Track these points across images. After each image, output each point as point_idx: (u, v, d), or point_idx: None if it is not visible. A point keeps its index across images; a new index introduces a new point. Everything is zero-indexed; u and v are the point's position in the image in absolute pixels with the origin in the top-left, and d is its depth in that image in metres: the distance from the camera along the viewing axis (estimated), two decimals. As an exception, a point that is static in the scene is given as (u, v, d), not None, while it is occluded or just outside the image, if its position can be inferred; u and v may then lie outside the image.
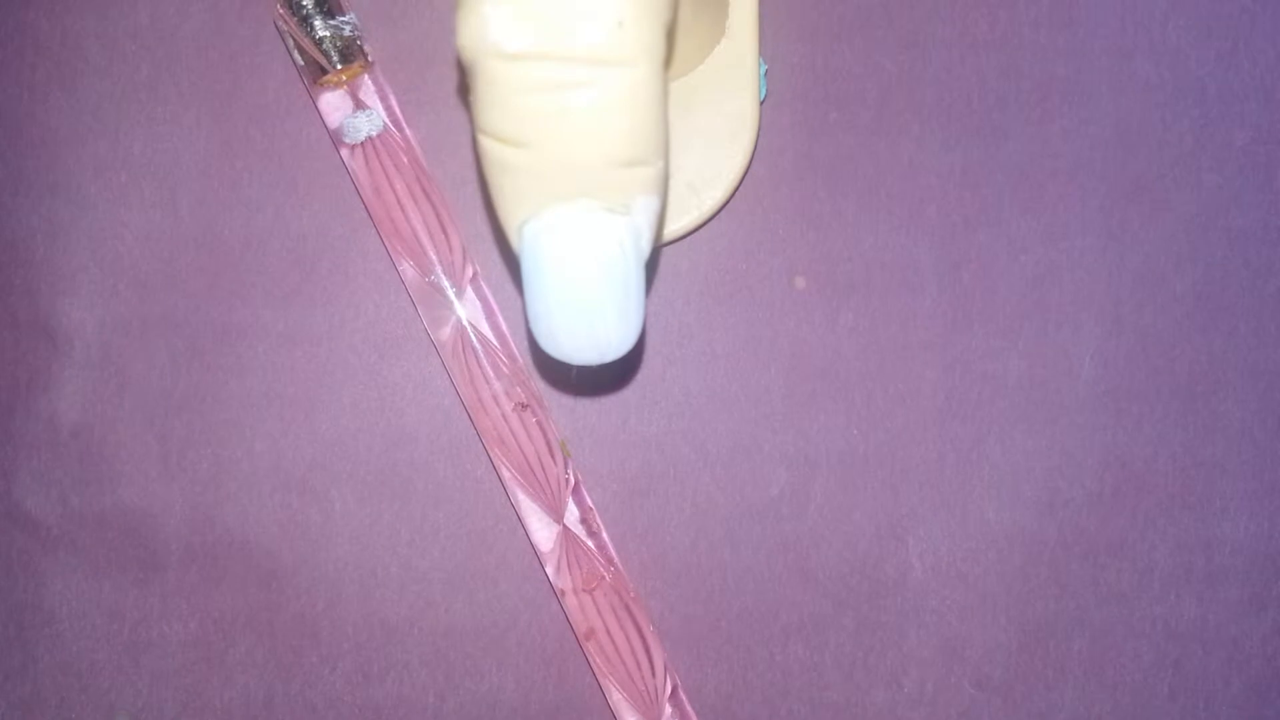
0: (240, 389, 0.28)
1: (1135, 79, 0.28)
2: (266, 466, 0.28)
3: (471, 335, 0.27)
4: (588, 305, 0.18)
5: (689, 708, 0.27)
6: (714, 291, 0.28)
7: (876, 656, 0.28)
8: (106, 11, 0.28)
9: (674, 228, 0.27)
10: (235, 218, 0.28)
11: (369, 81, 0.27)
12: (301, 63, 0.26)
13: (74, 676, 0.28)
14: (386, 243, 0.27)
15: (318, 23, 0.26)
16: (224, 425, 0.28)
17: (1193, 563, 0.28)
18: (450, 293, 0.27)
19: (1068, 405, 0.28)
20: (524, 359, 0.28)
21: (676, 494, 0.28)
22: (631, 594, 0.27)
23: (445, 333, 0.27)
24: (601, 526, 0.27)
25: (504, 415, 0.27)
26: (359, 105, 0.26)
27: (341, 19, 0.26)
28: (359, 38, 0.26)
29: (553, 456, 0.27)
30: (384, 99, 0.27)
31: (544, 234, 0.18)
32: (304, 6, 0.26)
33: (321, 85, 0.26)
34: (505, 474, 0.27)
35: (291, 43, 0.26)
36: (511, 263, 0.28)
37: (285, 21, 0.26)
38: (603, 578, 0.27)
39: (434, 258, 0.27)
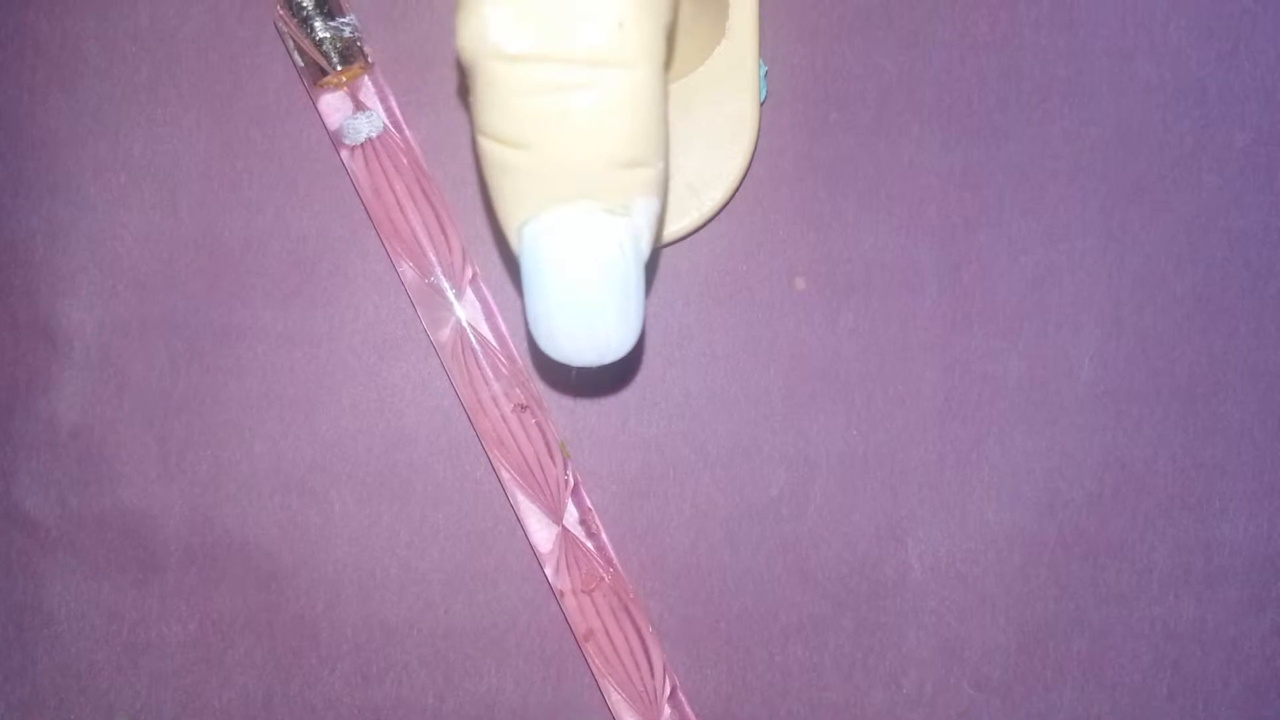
0: (240, 390, 0.28)
1: (1136, 80, 0.28)
2: (266, 468, 0.28)
3: (471, 336, 0.27)
4: (588, 307, 0.18)
5: (688, 708, 0.27)
6: (714, 292, 0.28)
7: (876, 657, 0.28)
8: (106, 13, 0.28)
9: (674, 229, 0.27)
10: (235, 219, 0.28)
11: (369, 83, 0.27)
12: (301, 64, 0.26)
13: (73, 677, 0.28)
14: (386, 244, 0.27)
15: (318, 24, 0.26)
16: (223, 426, 0.28)
17: (1192, 564, 0.28)
18: (450, 294, 0.27)
19: (1068, 406, 0.28)
20: (523, 360, 0.28)
21: (676, 495, 0.28)
22: (630, 595, 0.27)
23: (445, 334, 0.27)
24: (601, 527, 0.27)
25: (503, 416, 0.27)
26: (359, 106, 0.26)
27: (342, 20, 0.26)
28: (359, 39, 0.26)
29: (552, 458, 0.27)
30: (384, 100, 0.27)
31: (544, 235, 0.18)
32: (304, 8, 0.26)
33: (321, 86, 0.26)
34: (504, 475, 0.27)
35: (291, 44, 0.26)
36: (511, 264, 0.28)
37: (285, 23, 0.26)
38: (602, 579, 0.27)
39: (434, 259, 0.27)
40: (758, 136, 0.27)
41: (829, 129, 0.28)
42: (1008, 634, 0.28)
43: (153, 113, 0.28)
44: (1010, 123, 0.28)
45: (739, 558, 0.28)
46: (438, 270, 0.27)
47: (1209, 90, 0.28)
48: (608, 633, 0.27)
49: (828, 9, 0.28)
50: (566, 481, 0.27)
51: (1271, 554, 0.28)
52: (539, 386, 0.28)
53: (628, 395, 0.28)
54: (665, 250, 0.28)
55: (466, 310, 0.27)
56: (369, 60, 0.27)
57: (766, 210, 0.28)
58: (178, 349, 0.28)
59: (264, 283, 0.28)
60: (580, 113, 0.17)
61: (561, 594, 0.27)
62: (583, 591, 0.27)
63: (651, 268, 0.28)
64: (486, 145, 0.18)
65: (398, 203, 0.26)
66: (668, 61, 0.18)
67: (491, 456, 0.27)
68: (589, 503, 0.27)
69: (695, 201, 0.27)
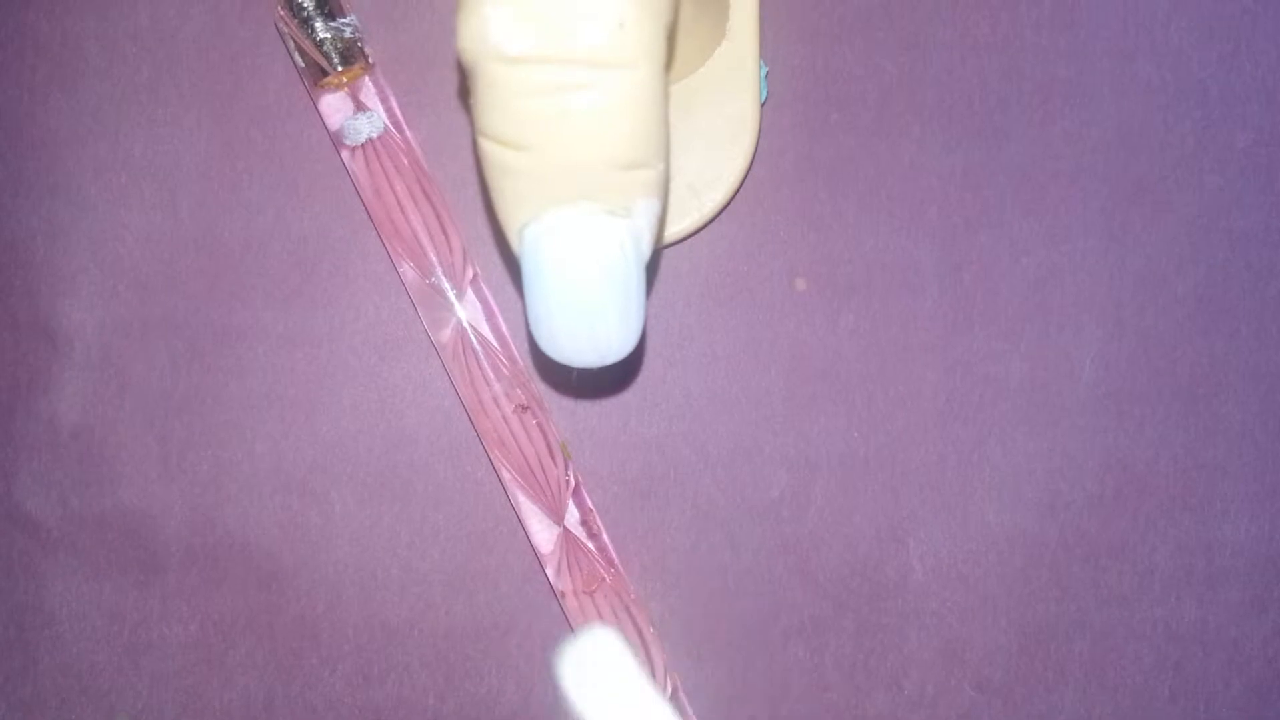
0: (240, 390, 0.28)
1: (1137, 81, 0.28)
2: (267, 468, 0.28)
3: (472, 337, 0.27)
4: (588, 308, 0.18)
5: (689, 709, 0.27)
6: (715, 293, 0.28)
7: (877, 659, 0.28)
8: (107, 13, 0.28)
9: (675, 230, 0.27)
10: (236, 219, 0.28)
11: (370, 83, 0.27)
12: (302, 64, 0.26)
13: (74, 678, 0.28)
14: (387, 244, 0.27)
15: (318, 24, 0.26)
16: (224, 427, 0.28)
17: (1193, 565, 0.28)
18: (451, 294, 0.27)
19: (1069, 407, 0.28)
20: (524, 361, 0.28)
21: (677, 496, 0.28)
22: (632, 596, 0.27)
23: (446, 334, 0.27)
24: (602, 528, 0.27)
25: (504, 417, 0.27)
26: (360, 107, 0.26)
27: (342, 21, 0.26)
28: (360, 39, 0.26)
29: (553, 458, 0.27)
30: (384, 101, 0.27)
31: (545, 237, 0.18)
32: (305, 8, 0.26)
33: (322, 87, 0.26)
34: (505, 476, 0.27)
35: (292, 44, 0.26)
36: (512, 264, 0.28)
37: (286, 23, 0.26)
38: (603, 579, 0.27)
39: (434, 259, 0.27)
40: (758, 137, 0.27)
41: (829, 130, 0.28)
42: (1009, 635, 0.28)
43: (153, 113, 0.28)
44: (1011, 124, 0.28)
45: (740, 559, 0.28)
46: (438, 271, 0.26)
47: (1210, 91, 0.28)
48: (608, 634, 0.27)
49: (828, 10, 0.28)
50: (567, 482, 0.27)
51: (1273, 555, 0.28)
52: (540, 387, 0.28)
53: (629, 396, 0.28)
54: (666, 251, 0.28)
55: (467, 311, 0.27)
56: (370, 61, 0.27)
57: (767, 211, 0.28)
58: (178, 349, 0.28)
59: (265, 283, 0.28)
60: (581, 114, 0.17)
61: (563, 595, 0.27)
62: (584, 592, 0.27)
63: (652, 269, 0.28)
64: (487, 146, 0.18)
65: (398, 203, 0.26)
66: (668, 62, 0.18)
67: (492, 457, 0.27)
68: (590, 503, 0.27)
69: (696, 202, 0.27)
